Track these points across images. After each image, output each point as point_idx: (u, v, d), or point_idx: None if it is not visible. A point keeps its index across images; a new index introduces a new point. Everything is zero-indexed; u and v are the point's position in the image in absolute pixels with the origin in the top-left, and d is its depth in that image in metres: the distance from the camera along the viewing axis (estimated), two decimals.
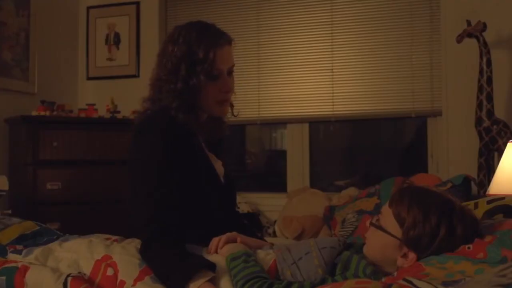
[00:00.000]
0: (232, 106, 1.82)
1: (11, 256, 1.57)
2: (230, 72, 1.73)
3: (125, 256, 1.45)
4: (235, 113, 1.85)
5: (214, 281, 1.37)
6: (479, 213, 1.51)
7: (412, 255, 1.30)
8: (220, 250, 1.49)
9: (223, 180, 1.78)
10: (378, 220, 1.39)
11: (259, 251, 1.49)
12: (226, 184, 1.79)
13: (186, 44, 1.67)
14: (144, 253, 1.47)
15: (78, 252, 1.50)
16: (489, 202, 1.56)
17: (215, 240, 1.53)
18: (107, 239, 1.60)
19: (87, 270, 1.44)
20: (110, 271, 1.41)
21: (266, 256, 1.44)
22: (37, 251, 1.53)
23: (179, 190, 1.59)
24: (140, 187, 1.59)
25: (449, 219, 1.29)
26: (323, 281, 1.29)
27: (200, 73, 1.64)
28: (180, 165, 1.61)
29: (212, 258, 1.45)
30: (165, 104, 1.66)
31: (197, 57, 1.64)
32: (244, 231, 1.67)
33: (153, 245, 1.47)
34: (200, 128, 1.72)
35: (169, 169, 1.58)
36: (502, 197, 1.57)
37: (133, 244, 1.54)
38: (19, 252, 1.57)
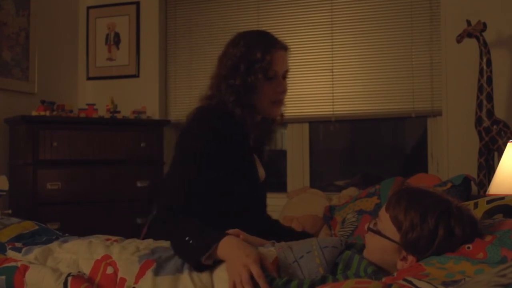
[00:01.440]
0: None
1: (10, 253, 1.57)
2: (284, 76, 1.84)
3: (124, 255, 1.45)
4: (284, 116, 1.95)
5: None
6: (478, 213, 1.51)
7: (411, 258, 1.30)
8: None
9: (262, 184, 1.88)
10: (375, 224, 1.38)
11: (260, 248, 1.49)
12: (262, 188, 1.90)
13: (246, 45, 1.79)
14: (163, 224, 1.57)
15: (78, 253, 1.50)
16: (488, 202, 1.56)
17: None
18: (107, 239, 1.61)
19: (86, 270, 1.44)
20: (109, 270, 1.41)
21: (267, 254, 1.44)
22: (37, 251, 1.53)
23: (214, 185, 1.67)
24: (176, 170, 1.70)
25: (447, 220, 1.28)
26: (323, 280, 1.29)
27: (257, 71, 1.76)
28: (224, 161, 1.70)
29: None
30: (222, 99, 1.77)
31: (255, 57, 1.76)
32: (270, 235, 1.70)
33: (172, 219, 1.56)
34: (253, 128, 1.82)
35: (209, 162, 1.67)
36: (502, 197, 1.57)
37: (134, 244, 1.54)
38: (18, 250, 1.57)
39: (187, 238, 1.45)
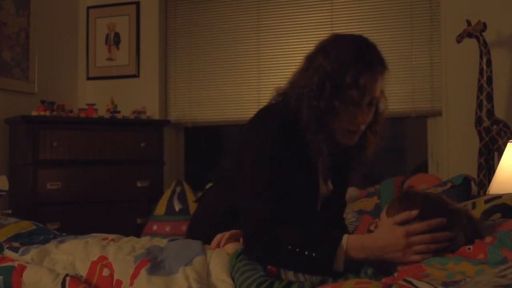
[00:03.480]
0: (376, 134, 1.69)
1: (7, 253, 1.56)
2: (371, 103, 1.59)
3: (119, 256, 1.45)
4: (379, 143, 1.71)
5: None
6: (477, 213, 1.51)
7: None
8: (223, 247, 1.49)
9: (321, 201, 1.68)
10: (376, 227, 1.40)
11: None
12: (325, 206, 1.69)
13: (337, 61, 1.55)
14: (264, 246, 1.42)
15: (74, 254, 1.49)
16: (486, 201, 1.56)
17: (218, 237, 1.53)
18: (104, 239, 1.60)
19: (83, 271, 1.43)
20: (106, 272, 1.40)
21: None
22: (34, 251, 1.52)
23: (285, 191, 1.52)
24: (254, 176, 1.53)
25: (446, 224, 1.29)
26: (323, 281, 1.29)
27: (344, 98, 1.53)
28: (285, 164, 1.54)
29: (214, 253, 1.45)
30: (297, 111, 1.56)
31: (345, 80, 1.52)
32: None
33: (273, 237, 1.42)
34: (323, 152, 1.58)
35: (281, 162, 1.52)
36: (499, 196, 1.57)
37: (130, 243, 1.54)
38: (15, 250, 1.57)
39: (306, 253, 1.37)
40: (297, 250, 1.38)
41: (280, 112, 1.61)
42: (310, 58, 1.64)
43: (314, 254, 1.36)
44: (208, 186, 2.09)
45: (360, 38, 1.67)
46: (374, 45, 1.65)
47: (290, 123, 1.56)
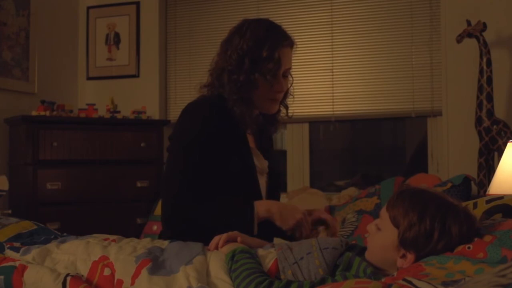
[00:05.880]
0: (287, 107, 1.97)
1: (8, 253, 1.56)
2: (285, 75, 1.84)
3: (121, 256, 1.45)
4: (289, 115, 1.99)
5: None
6: (478, 213, 1.51)
7: (410, 256, 1.31)
8: (221, 249, 1.50)
9: (265, 178, 1.89)
10: (377, 224, 1.41)
11: (259, 250, 1.49)
12: (268, 181, 1.91)
13: (252, 39, 1.76)
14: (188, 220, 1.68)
15: (75, 254, 1.49)
16: (488, 201, 1.56)
17: (216, 238, 1.54)
18: (105, 239, 1.60)
19: (84, 271, 1.43)
20: (107, 271, 1.40)
21: (267, 255, 1.43)
22: (35, 251, 1.52)
23: (209, 174, 1.72)
24: (172, 163, 1.76)
25: (443, 220, 1.30)
26: (323, 281, 1.29)
27: (263, 71, 1.75)
28: (217, 150, 1.73)
29: (213, 253, 1.45)
30: (222, 91, 1.77)
31: (262, 54, 1.74)
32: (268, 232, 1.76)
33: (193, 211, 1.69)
34: (251, 123, 1.81)
35: (202, 151, 1.72)
36: (501, 196, 1.57)
37: (131, 243, 1.54)
38: (16, 250, 1.57)
39: (226, 223, 1.65)
40: (218, 222, 1.68)
41: (208, 99, 1.80)
42: (226, 42, 1.82)
43: (233, 220, 1.68)
44: None
45: (267, 20, 1.88)
46: (280, 25, 1.87)
47: (220, 105, 1.75)
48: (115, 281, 1.38)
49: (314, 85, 3.69)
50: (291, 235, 1.78)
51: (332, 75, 3.68)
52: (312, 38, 3.72)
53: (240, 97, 1.74)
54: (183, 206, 1.69)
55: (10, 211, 3.10)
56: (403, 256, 1.33)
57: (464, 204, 1.47)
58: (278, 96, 1.85)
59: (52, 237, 1.76)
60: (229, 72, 1.76)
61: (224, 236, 1.53)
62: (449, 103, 3.33)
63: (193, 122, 1.75)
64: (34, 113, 3.39)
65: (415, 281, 1.09)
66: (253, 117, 1.81)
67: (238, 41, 1.76)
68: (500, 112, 3.07)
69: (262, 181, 1.88)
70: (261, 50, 1.74)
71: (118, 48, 4.09)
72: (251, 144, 1.86)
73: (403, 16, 3.55)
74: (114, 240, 1.60)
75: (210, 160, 1.72)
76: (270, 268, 1.40)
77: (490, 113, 2.89)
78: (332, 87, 3.68)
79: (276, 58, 1.76)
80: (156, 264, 1.40)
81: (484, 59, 2.89)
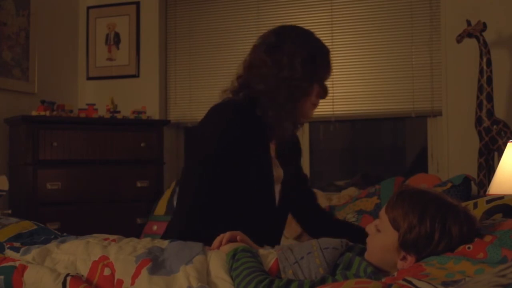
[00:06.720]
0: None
1: (8, 253, 1.56)
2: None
3: (121, 256, 1.45)
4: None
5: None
6: (478, 213, 1.51)
7: (410, 258, 1.31)
8: (222, 248, 1.50)
9: (279, 186, 1.83)
10: (376, 225, 1.40)
11: (260, 250, 1.49)
12: (281, 190, 1.84)
13: (308, 46, 1.77)
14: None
15: (75, 254, 1.49)
16: (488, 201, 1.56)
17: (219, 237, 1.54)
18: (105, 239, 1.60)
19: (84, 271, 1.43)
20: (107, 271, 1.40)
21: (268, 255, 1.44)
22: (35, 251, 1.52)
23: (225, 181, 1.67)
24: (190, 169, 1.72)
25: (443, 221, 1.29)
26: (323, 280, 1.29)
27: (320, 77, 1.77)
28: (237, 157, 1.68)
29: (213, 253, 1.45)
30: (260, 99, 1.72)
31: (318, 61, 1.76)
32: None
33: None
34: (288, 130, 1.78)
35: (222, 157, 1.67)
36: (501, 196, 1.57)
37: (131, 243, 1.54)
38: (16, 250, 1.57)
39: None
40: None
41: (234, 102, 1.73)
42: (272, 48, 1.74)
43: None
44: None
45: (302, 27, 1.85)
46: (327, 51, 1.86)
47: (247, 109, 1.69)
48: (115, 281, 1.38)
49: None
50: None
51: (332, 75, 3.65)
52: None
53: (293, 105, 1.71)
54: (195, 212, 1.69)
55: (10, 211, 3.10)
56: (404, 258, 1.32)
57: (464, 204, 1.48)
58: (304, 121, 1.85)
59: (52, 237, 1.75)
60: (284, 79, 1.70)
61: (227, 235, 1.53)
62: (449, 103, 3.33)
63: (216, 126, 1.70)
64: (34, 113, 3.39)
65: (415, 281, 1.09)
66: (292, 125, 1.78)
67: (292, 47, 1.73)
68: (500, 112, 3.07)
69: (276, 190, 1.85)
70: (319, 57, 1.76)
71: (118, 48, 4.09)
72: (272, 152, 1.82)
73: (403, 16, 3.55)
74: (114, 240, 1.60)
75: (229, 167, 1.69)
76: (271, 267, 1.40)
77: (490, 113, 2.89)
78: (332, 87, 3.67)
79: (330, 64, 1.78)
80: (156, 264, 1.40)
81: (484, 59, 2.89)
